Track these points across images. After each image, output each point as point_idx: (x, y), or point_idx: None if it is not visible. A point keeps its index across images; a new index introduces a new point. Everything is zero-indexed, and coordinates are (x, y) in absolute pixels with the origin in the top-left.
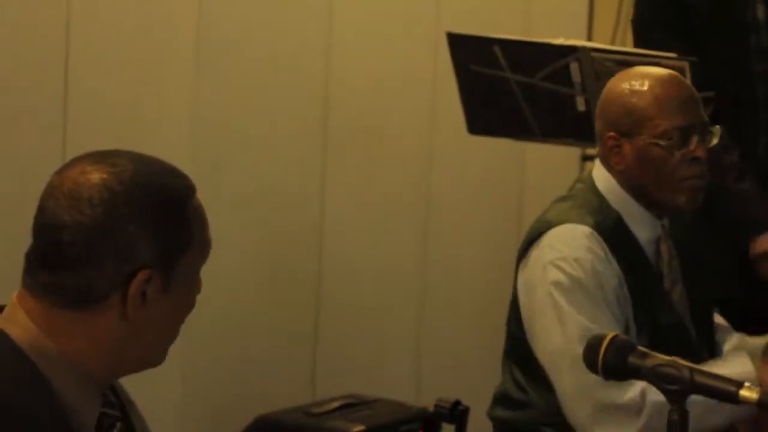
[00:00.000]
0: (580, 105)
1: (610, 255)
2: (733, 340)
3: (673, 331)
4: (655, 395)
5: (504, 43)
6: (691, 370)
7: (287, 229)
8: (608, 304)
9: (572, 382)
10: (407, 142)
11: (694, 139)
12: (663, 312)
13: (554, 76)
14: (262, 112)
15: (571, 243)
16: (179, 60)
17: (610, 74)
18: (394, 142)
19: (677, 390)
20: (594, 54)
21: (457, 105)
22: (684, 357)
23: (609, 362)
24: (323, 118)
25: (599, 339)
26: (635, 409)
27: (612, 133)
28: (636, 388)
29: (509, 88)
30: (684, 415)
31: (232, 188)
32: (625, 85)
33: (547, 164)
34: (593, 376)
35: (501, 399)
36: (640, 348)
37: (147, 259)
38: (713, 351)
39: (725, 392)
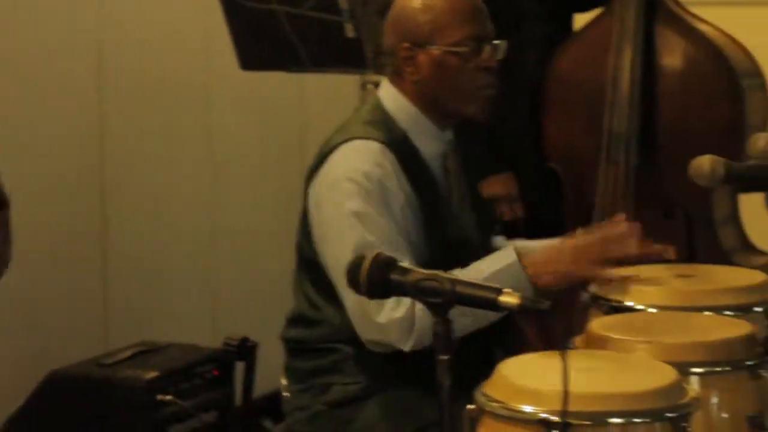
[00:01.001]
0: (350, 32)
1: (399, 171)
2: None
3: (461, 246)
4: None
5: None
6: (453, 281)
7: (67, 177)
8: (394, 217)
9: (353, 297)
10: (184, 81)
11: (487, 49)
12: (451, 227)
13: (322, 4)
14: (34, 54)
15: (360, 157)
16: None
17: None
18: (172, 83)
19: (440, 302)
20: None
21: (229, 42)
22: None
23: (372, 280)
24: (98, 63)
25: (361, 258)
26: (407, 325)
27: (406, 44)
28: (402, 308)
29: (277, 20)
30: (448, 326)
31: (10, 133)
32: (416, 1)
33: (327, 94)
34: None
35: (294, 319)
36: (402, 264)
37: None
38: None
39: (486, 300)
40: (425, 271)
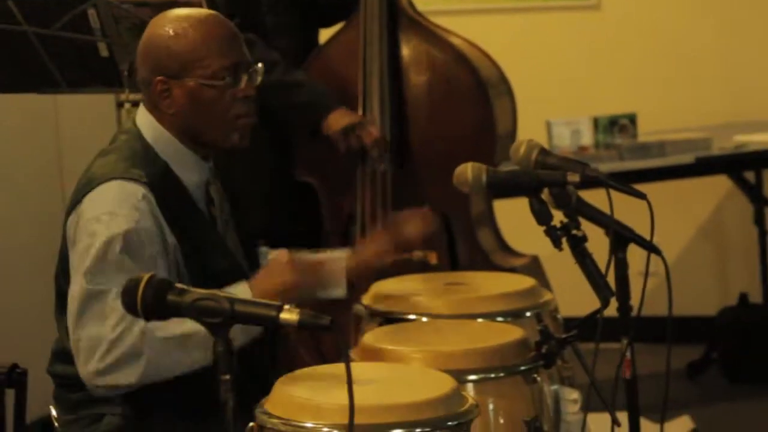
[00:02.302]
0: (103, 51)
1: (156, 209)
2: None
3: (228, 275)
4: (157, 331)
5: None
6: (231, 300)
7: None
8: (147, 261)
9: (83, 335)
10: None
11: (244, 78)
12: (217, 257)
13: (73, 24)
14: None
15: (116, 199)
16: None
17: (129, 17)
18: None
19: (219, 322)
20: None
21: None
22: None
23: (148, 302)
24: None
25: (136, 281)
26: (135, 353)
27: (160, 78)
28: (134, 332)
29: (28, 42)
30: (229, 345)
31: None
32: (167, 29)
33: (82, 115)
34: (95, 330)
35: (58, 354)
36: (178, 285)
37: None
38: None
39: (266, 317)
40: (203, 291)
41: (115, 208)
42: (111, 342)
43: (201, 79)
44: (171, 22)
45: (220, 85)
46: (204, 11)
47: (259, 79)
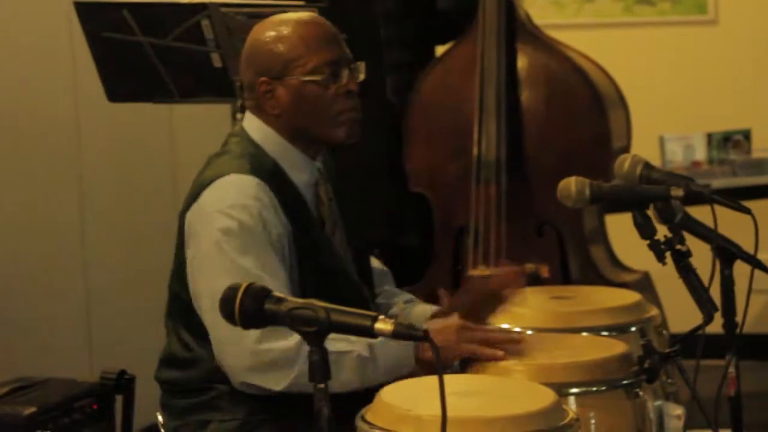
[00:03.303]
0: (216, 61)
1: (276, 202)
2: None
3: (337, 276)
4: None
5: (132, 7)
6: (327, 309)
7: None
8: (275, 250)
9: (229, 331)
10: (51, 119)
11: (345, 73)
12: (326, 257)
13: (187, 35)
14: None
15: (237, 191)
16: None
17: (243, 28)
18: (39, 122)
19: (315, 331)
20: (224, 9)
21: (96, 75)
22: (349, 300)
23: (245, 311)
24: None
25: (234, 289)
26: (290, 361)
27: (263, 79)
28: (292, 339)
29: (143, 52)
30: (324, 354)
31: None
32: (269, 32)
33: (197, 124)
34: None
35: (167, 360)
36: (276, 294)
37: None
38: (372, 292)
39: (361, 327)
40: (299, 300)
41: (237, 199)
42: (265, 342)
43: (302, 76)
44: (271, 26)
45: (321, 79)
46: (303, 13)
47: (362, 76)
